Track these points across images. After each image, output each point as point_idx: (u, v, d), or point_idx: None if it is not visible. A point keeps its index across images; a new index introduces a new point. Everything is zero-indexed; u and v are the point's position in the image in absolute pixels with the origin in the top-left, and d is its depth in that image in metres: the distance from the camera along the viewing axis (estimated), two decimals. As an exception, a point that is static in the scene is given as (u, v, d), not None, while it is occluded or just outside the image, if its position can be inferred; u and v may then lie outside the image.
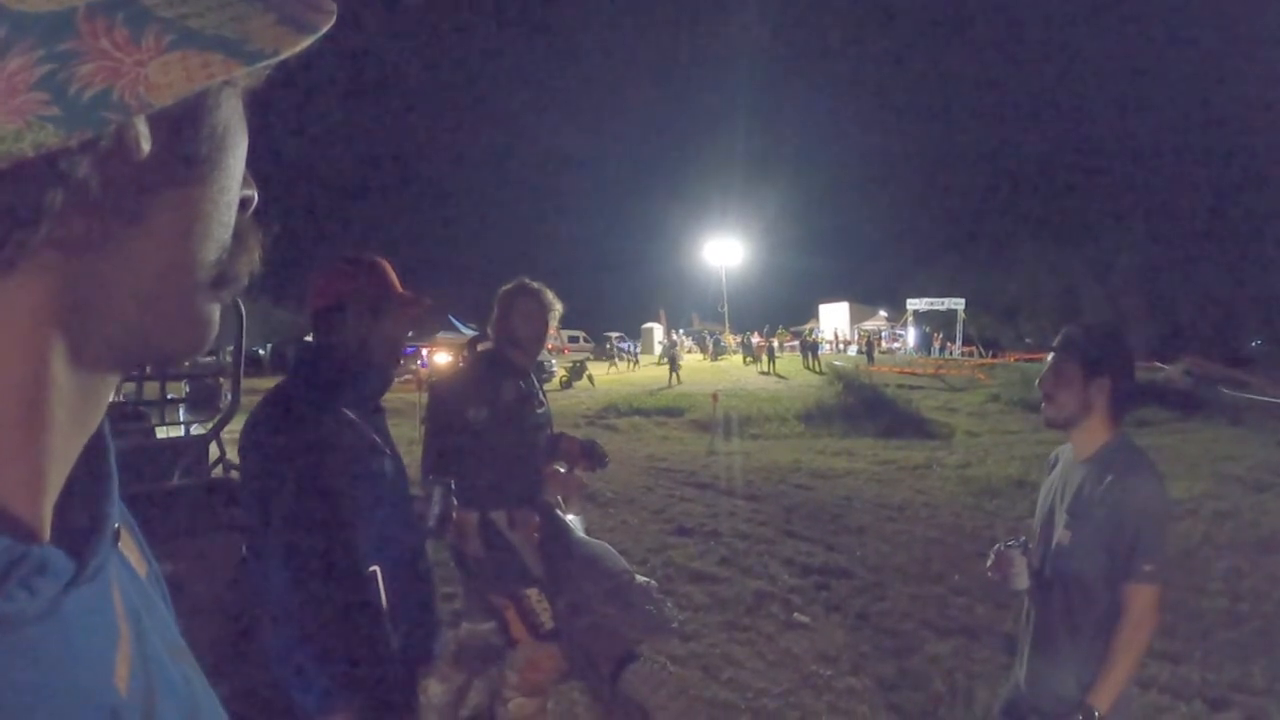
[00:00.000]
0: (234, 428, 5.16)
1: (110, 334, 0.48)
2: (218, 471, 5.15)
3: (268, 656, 2.21)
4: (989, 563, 2.80)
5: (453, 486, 2.74)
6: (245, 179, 0.56)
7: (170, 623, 0.65)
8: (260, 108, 0.54)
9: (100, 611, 0.52)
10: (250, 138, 0.55)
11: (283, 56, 0.47)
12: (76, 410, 0.50)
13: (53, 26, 0.40)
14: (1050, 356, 2.74)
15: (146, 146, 0.44)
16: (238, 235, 0.55)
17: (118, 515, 0.57)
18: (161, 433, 5.74)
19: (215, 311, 0.55)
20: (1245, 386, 27.48)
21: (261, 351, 54.34)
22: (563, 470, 3.68)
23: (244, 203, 0.57)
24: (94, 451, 0.55)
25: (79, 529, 0.52)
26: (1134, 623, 2.43)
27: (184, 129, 0.47)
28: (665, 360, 33.92)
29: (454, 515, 2.76)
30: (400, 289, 2.56)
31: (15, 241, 0.42)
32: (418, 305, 2.60)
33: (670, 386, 28.77)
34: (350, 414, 2.38)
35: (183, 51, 0.42)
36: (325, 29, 0.49)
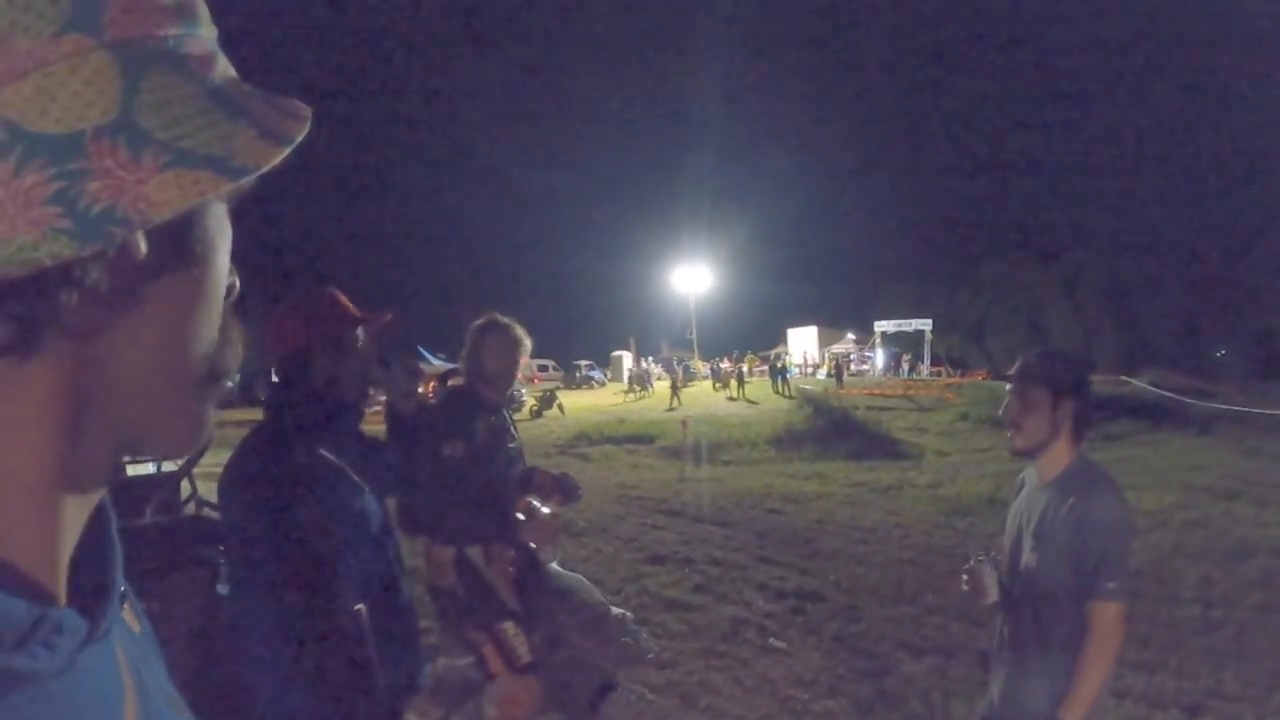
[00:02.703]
0: (205, 463, 5.14)
1: (113, 418, 0.52)
2: (189, 509, 5.11)
3: (248, 696, 2.21)
4: (963, 581, 2.83)
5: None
6: (229, 269, 0.60)
7: (164, 676, 0.68)
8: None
9: (109, 668, 0.56)
10: None
11: (264, 170, 0.51)
12: (87, 485, 0.54)
13: (64, 146, 0.44)
14: (1011, 386, 2.77)
15: (144, 250, 0.48)
16: (224, 327, 0.59)
17: (122, 578, 0.60)
18: (132, 470, 5.70)
19: (209, 412, 0.59)
20: (1211, 397, 27.80)
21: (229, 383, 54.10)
22: (537, 516, 3.67)
23: (227, 292, 0.60)
24: (97, 520, 0.59)
25: (87, 591, 0.56)
26: (1100, 639, 2.47)
27: (180, 234, 0.51)
28: (648, 386, 37.45)
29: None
30: (356, 313, 2.57)
31: (35, 335, 0.45)
32: (377, 322, 2.61)
33: (674, 409, 30.45)
34: (328, 454, 2.38)
35: (177, 170, 0.46)
36: (301, 137, 0.54)
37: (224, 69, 0.53)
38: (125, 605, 0.65)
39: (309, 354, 2.46)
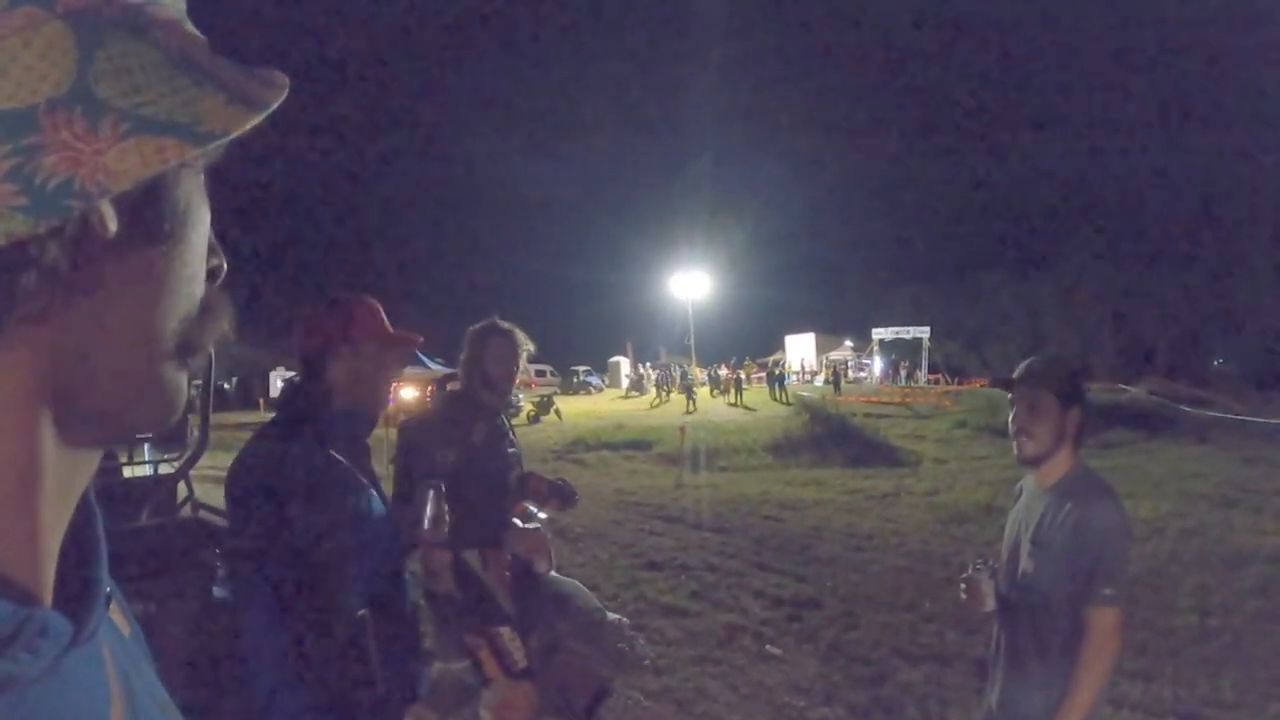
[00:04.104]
0: (202, 465, 5.13)
1: (90, 406, 0.51)
2: (186, 511, 5.10)
3: (247, 698, 2.20)
4: (961, 589, 2.82)
5: (444, 489, 2.72)
6: (214, 249, 0.59)
7: (155, 680, 0.66)
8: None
9: (94, 671, 0.55)
10: (214, 171, 0.57)
11: (234, 135, 0.50)
12: (66, 479, 0.52)
13: (17, 122, 0.43)
14: (1017, 392, 2.74)
15: (113, 226, 0.47)
16: (206, 305, 0.57)
17: (108, 580, 0.59)
18: (129, 472, 5.69)
19: (183, 381, 0.57)
20: (1209, 405, 27.86)
21: (227, 385, 54.12)
22: (528, 529, 3.66)
23: (212, 273, 0.59)
24: (82, 518, 0.57)
25: (72, 593, 0.54)
26: (1096, 645, 2.46)
27: (147, 207, 0.49)
28: (682, 392, 38.26)
29: (447, 515, 2.74)
30: (390, 329, 2.55)
31: None
32: (410, 345, 2.60)
33: (690, 413, 31.35)
34: (338, 456, 2.37)
35: (138, 138, 0.45)
36: (277, 104, 0.53)
37: (191, 36, 0.52)
38: (113, 606, 0.63)
39: (332, 354, 2.44)
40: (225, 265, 0.61)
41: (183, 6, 0.54)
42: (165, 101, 0.47)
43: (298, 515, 2.15)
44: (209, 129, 0.48)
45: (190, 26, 0.53)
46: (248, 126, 0.50)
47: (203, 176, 0.56)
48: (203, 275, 0.57)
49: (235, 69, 0.53)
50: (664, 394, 41.42)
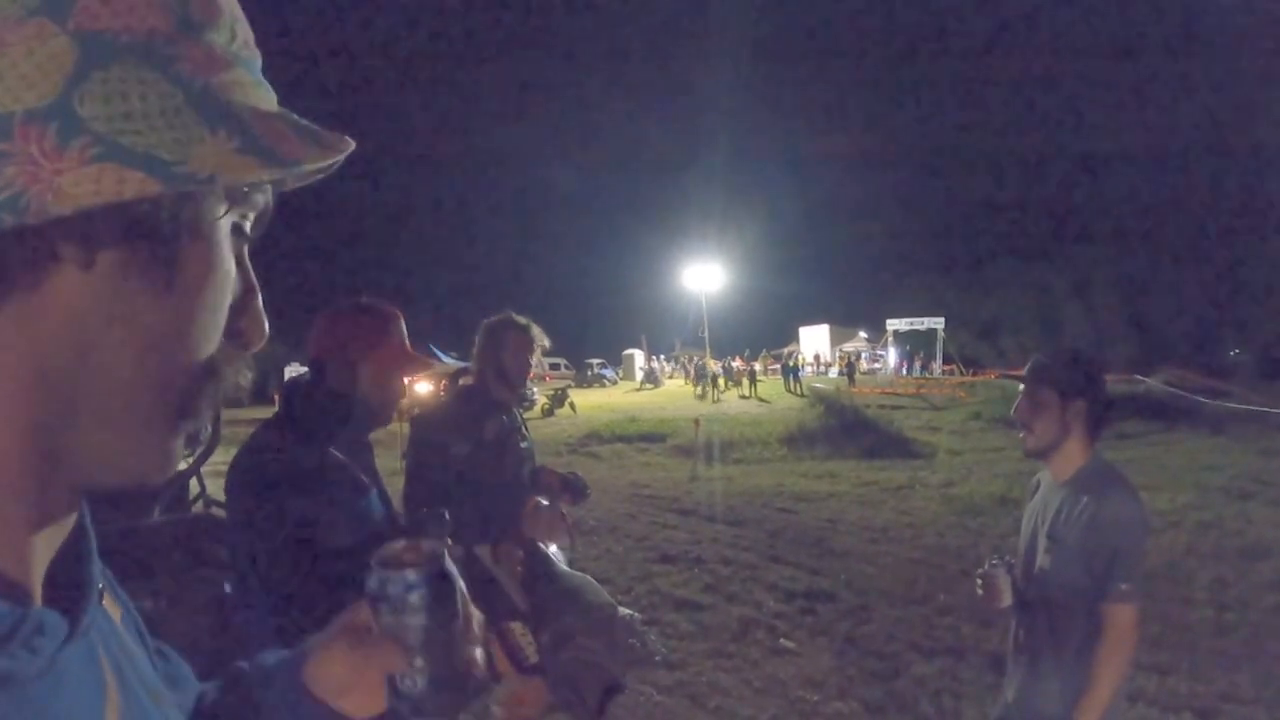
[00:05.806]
0: (214, 461, 5.14)
1: (86, 417, 0.50)
2: (198, 507, 5.11)
3: None
4: (978, 585, 2.81)
5: (447, 517, 2.71)
6: (251, 316, 0.59)
7: (148, 667, 0.67)
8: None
9: (89, 666, 0.55)
10: None
11: (232, 183, 0.49)
12: (63, 492, 0.52)
13: None
14: (1022, 387, 2.76)
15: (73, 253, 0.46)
16: (211, 367, 0.56)
17: (100, 574, 0.59)
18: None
19: (175, 445, 0.56)
20: (1226, 396, 27.69)
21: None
22: (545, 504, 3.65)
23: (235, 335, 0.58)
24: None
25: (66, 589, 0.55)
26: (1113, 642, 2.45)
27: (129, 249, 0.49)
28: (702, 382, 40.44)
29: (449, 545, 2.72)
30: (403, 345, 2.53)
31: None
32: (418, 367, 2.57)
33: (717, 402, 32.92)
34: (338, 454, 2.36)
35: (102, 165, 0.44)
36: (315, 165, 0.52)
37: (233, 78, 0.52)
38: (109, 592, 0.64)
39: (343, 360, 2.42)
40: (260, 337, 0.61)
41: (236, 48, 0.53)
42: (154, 135, 0.46)
43: (291, 511, 2.14)
44: (192, 170, 0.46)
45: (240, 71, 0.53)
46: (251, 178, 0.50)
47: (240, 239, 0.56)
48: (216, 336, 0.56)
49: (282, 121, 0.53)
50: (704, 386, 41.63)
